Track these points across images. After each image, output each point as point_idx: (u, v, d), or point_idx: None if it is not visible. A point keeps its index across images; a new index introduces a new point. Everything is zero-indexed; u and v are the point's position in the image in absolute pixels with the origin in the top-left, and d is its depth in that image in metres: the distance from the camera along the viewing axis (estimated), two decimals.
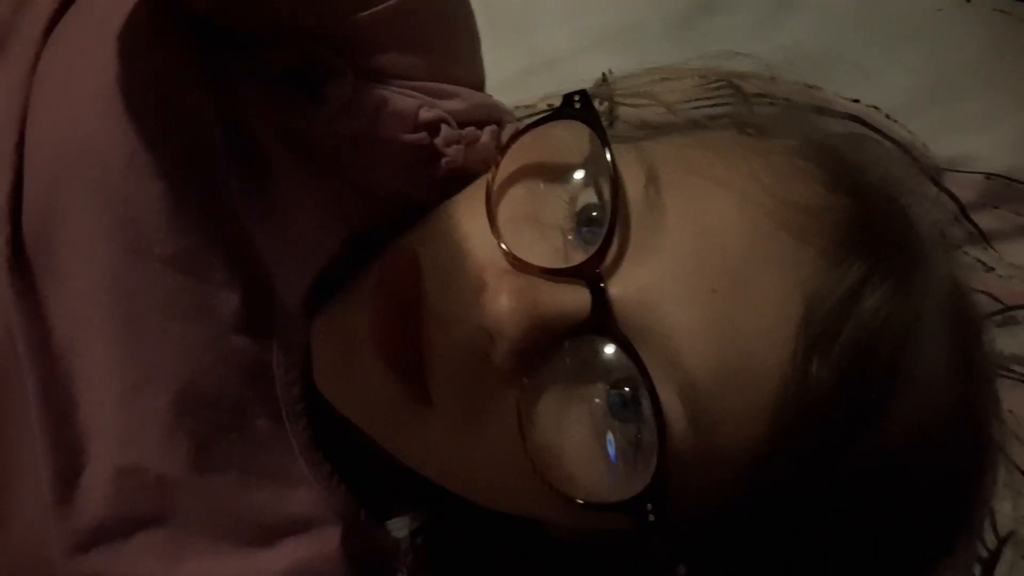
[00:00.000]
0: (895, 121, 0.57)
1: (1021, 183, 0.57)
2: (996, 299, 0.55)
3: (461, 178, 0.39)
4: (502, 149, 0.36)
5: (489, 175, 0.35)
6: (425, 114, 0.38)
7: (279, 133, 0.38)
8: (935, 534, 0.38)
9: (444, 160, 0.39)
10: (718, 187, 0.34)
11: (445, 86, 0.40)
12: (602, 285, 0.32)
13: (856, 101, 0.58)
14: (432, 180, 0.40)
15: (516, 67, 0.62)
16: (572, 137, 0.36)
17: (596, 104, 0.36)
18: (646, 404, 0.31)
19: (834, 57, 0.60)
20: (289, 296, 0.38)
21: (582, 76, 0.60)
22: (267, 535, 0.37)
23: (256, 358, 0.38)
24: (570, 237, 0.34)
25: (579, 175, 0.35)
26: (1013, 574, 0.46)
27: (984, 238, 0.56)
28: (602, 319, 0.32)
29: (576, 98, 0.36)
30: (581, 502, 0.32)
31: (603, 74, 0.59)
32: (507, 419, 0.33)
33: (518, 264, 0.33)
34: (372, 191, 0.40)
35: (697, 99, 0.44)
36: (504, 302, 0.32)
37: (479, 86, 0.44)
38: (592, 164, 0.35)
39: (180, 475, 0.35)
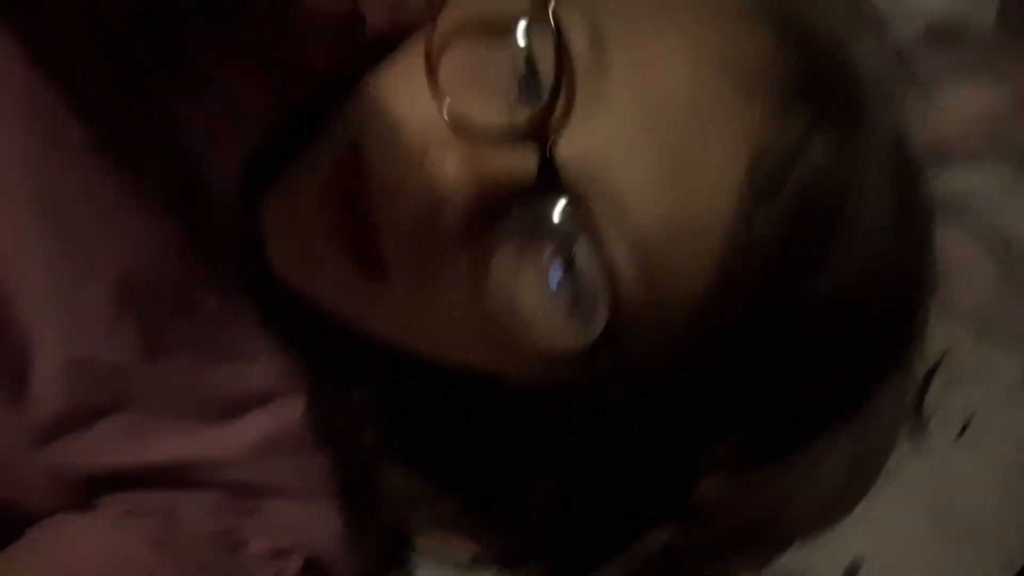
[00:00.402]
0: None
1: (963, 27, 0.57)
2: (932, 134, 0.57)
3: (390, 42, 0.38)
4: (437, 4, 0.35)
5: (426, 35, 0.34)
6: None
7: (194, 4, 0.36)
8: (875, 370, 0.39)
9: (368, 24, 0.38)
10: (664, 45, 0.34)
11: None
12: (548, 144, 0.32)
13: None
14: (359, 48, 0.39)
15: None
16: None
17: None
18: (596, 257, 0.33)
19: None
20: (222, 174, 0.38)
21: None
22: (231, 410, 0.38)
23: (195, 239, 0.38)
24: (513, 98, 0.34)
25: (520, 33, 0.34)
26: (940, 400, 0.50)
27: (922, 77, 0.57)
28: (551, 178, 0.32)
29: None
30: (539, 353, 0.33)
31: None
32: (461, 282, 0.34)
33: (462, 127, 0.33)
34: (298, 64, 0.39)
35: None
36: (450, 168, 0.32)
37: None
38: (534, 20, 0.34)
39: (133, 362, 0.36)
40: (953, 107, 0.57)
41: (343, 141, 0.35)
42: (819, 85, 0.34)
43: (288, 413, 0.39)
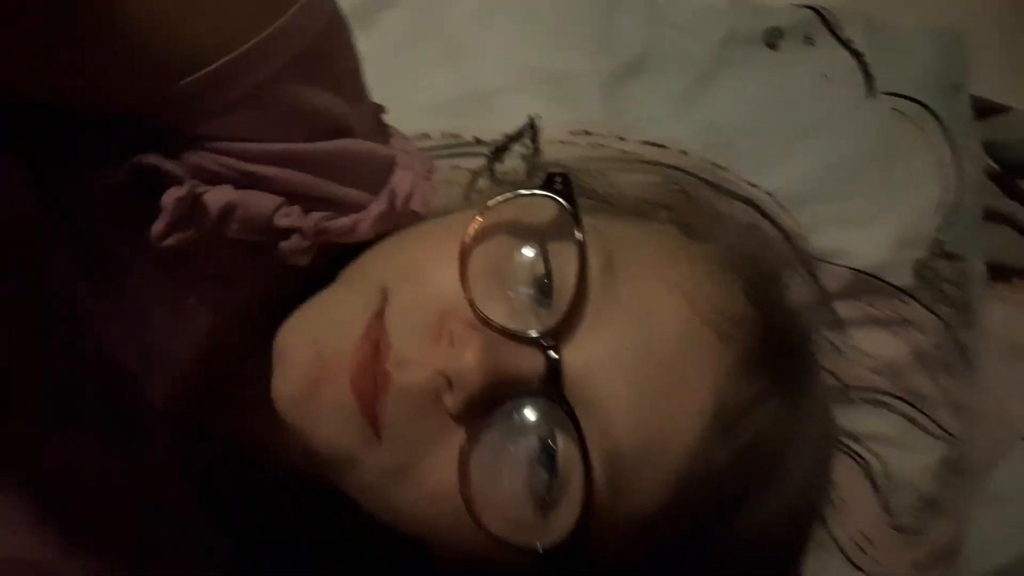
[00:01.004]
0: (785, 209, 0.63)
1: (880, 280, 0.63)
2: (839, 379, 0.63)
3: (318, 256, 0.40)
4: (482, 211, 0.38)
5: (466, 231, 0.38)
6: (281, 221, 0.38)
7: (123, 235, 0.37)
8: None
9: (284, 254, 0.39)
10: (664, 286, 0.39)
11: (300, 148, 0.37)
12: (557, 357, 0.36)
13: (755, 186, 0.63)
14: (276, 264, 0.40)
15: (447, 93, 0.64)
16: (542, 208, 0.39)
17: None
18: (576, 465, 0.35)
19: (744, 137, 0.65)
20: (156, 392, 0.39)
21: (509, 113, 0.64)
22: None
23: (130, 453, 0.38)
24: (529, 300, 0.37)
25: (547, 245, 0.38)
26: None
27: (840, 323, 0.63)
28: (553, 385, 0.35)
29: (558, 178, 0.39)
30: (501, 538, 0.35)
31: (529, 117, 0.63)
32: (446, 459, 0.36)
33: (484, 321, 0.36)
34: (224, 278, 0.40)
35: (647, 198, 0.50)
36: (469, 356, 0.34)
37: (361, 125, 0.41)
38: (559, 238, 0.38)
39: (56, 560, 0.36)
40: (862, 355, 0.63)
41: (375, 296, 0.38)
42: (778, 352, 0.41)
43: None
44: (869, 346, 0.63)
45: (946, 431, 0.63)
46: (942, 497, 0.63)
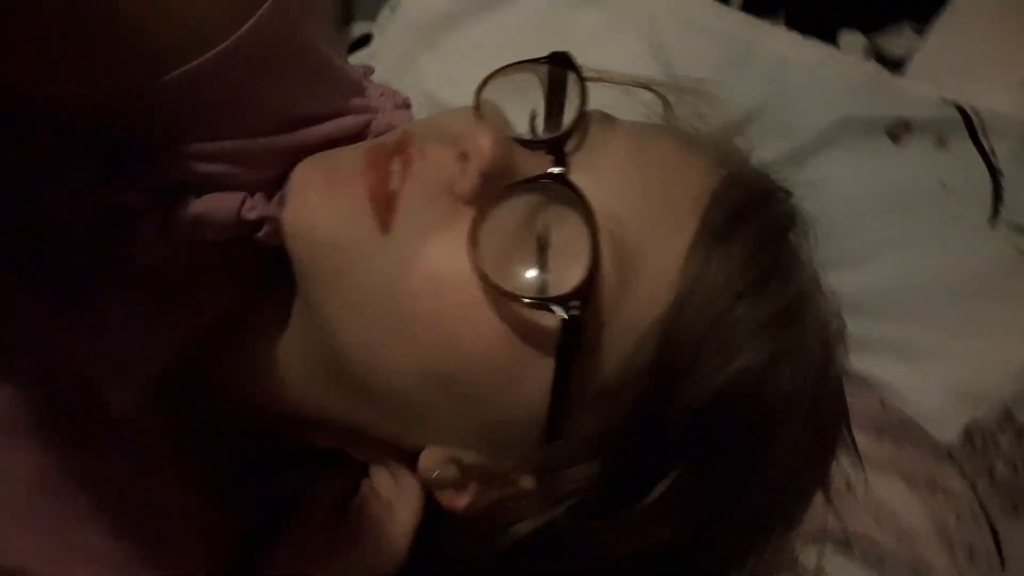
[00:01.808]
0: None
1: (913, 422, 0.56)
2: (841, 519, 0.56)
3: (282, 259, 0.40)
4: (488, 77, 0.41)
5: (479, 86, 0.40)
6: (249, 215, 0.39)
7: (89, 260, 0.39)
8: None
9: (259, 243, 0.40)
10: (658, 132, 0.42)
11: (268, 142, 0.38)
12: (564, 152, 0.38)
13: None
14: (251, 270, 0.42)
15: None
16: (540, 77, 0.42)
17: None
18: (583, 239, 0.36)
19: (823, 225, 0.59)
20: (122, 402, 0.40)
21: None
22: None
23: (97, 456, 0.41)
24: (540, 122, 0.40)
25: (552, 91, 0.41)
26: None
27: (859, 456, 0.56)
28: (560, 172, 0.37)
29: (559, 55, 0.41)
30: (517, 294, 0.36)
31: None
32: (456, 240, 0.37)
33: (497, 133, 0.38)
34: (190, 295, 0.42)
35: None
36: (485, 138, 0.37)
37: (335, 104, 0.42)
38: (561, 89, 0.41)
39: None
40: (875, 504, 0.56)
41: (392, 135, 0.40)
42: (761, 178, 0.42)
43: None
44: (884, 495, 0.55)
45: None
46: None
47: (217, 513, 0.44)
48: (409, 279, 0.37)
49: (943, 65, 0.73)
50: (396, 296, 0.38)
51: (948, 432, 0.55)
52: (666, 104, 0.49)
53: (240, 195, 0.38)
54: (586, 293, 0.36)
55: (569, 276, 0.36)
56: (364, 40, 0.83)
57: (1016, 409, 0.55)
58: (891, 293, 0.57)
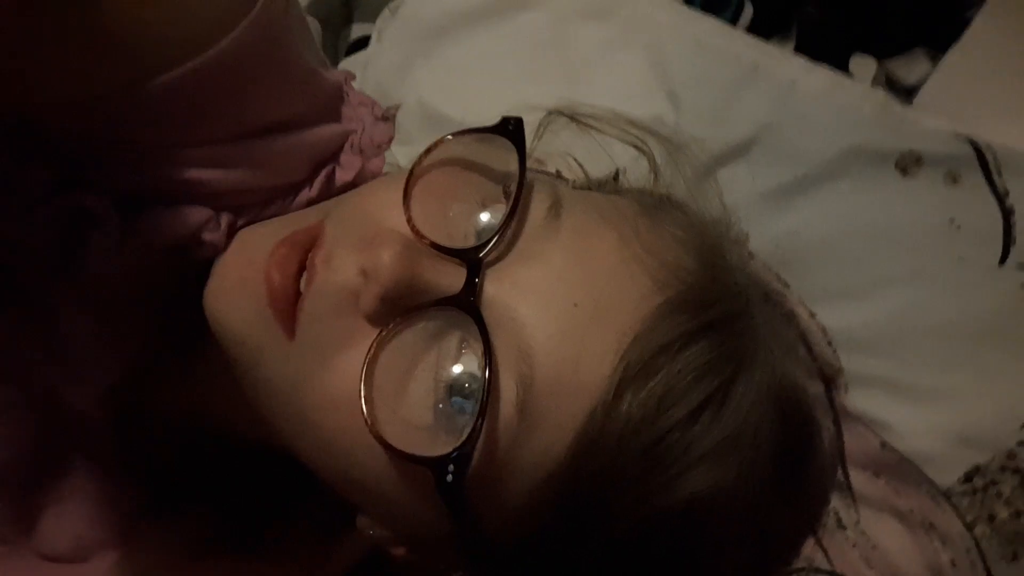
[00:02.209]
0: (833, 350, 0.56)
1: (911, 464, 0.54)
2: (829, 559, 0.55)
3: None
4: (431, 146, 0.39)
5: (416, 161, 0.39)
6: (209, 236, 0.39)
7: (45, 269, 0.39)
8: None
9: (207, 245, 0.40)
10: (606, 229, 0.38)
11: (245, 147, 0.39)
12: (478, 271, 0.36)
13: (812, 315, 0.56)
14: (196, 266, 0.41)
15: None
16: (494, 152, 0.39)
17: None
18: (488, 373, 0.34)
19: (823, 256, 0.57)
20: (83, 401, 0.42)
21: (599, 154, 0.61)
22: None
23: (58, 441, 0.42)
24: (467, 228, 0.38)
25: (492, 182, 0.39)
26: None
27: (852, 495, 0.55)
28: (468, 299, 0.35)
29: (511, 122, 0.40)
30: (392, 445, 0.34)
31: (616, 171, 0.59)
32: (355, 362, 0.36)
33: (414, 231, 0.37)
34: (141, 299, 0.42)
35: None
36: (386, 254, 0.35)
37: (315, 111, 0.42)
38: (506, 176, 0.39)
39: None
40: (866, 542, 0.55)
41: (312, 217, 0.39)
42: (717, 308, 0.38)
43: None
44: (877, 536, 0.54)
45: None
46: None
47: (159, 508, 0.44)
48: (309, 393, 0.37)
49: (955, 94, 0.71)
50: (300, 403, 0.37)
51: (949, 476, 0.54)
52: (651, 161, 0.47)
53: (208, 212, 0.39)
54: (469, 453, 0.33)
55: (460, 420, 0.34)
56: (362, 42, 0.82)
57: (1020, 454, 0.53)
58: (894, 330, 0.56)
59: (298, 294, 0.37)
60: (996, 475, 0.53)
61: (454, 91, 0.69)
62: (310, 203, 0.42)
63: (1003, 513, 0.53)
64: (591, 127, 0.49)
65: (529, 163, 0.40)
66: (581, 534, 0.36)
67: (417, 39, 0.72)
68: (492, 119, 0.66)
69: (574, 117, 0.47)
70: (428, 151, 0.39)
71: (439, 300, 0.36)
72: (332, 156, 0.43)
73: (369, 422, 0.34)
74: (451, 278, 0.36)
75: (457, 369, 0.35)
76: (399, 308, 0.36)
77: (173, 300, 0.42)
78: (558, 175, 0.53)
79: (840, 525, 0.55)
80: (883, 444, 0.54)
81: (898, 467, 0.54)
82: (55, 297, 0.40)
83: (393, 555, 0.42)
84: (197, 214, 0.39)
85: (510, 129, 0.39)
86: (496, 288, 0.36)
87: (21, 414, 0.40)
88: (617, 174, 0.56)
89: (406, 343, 0.36)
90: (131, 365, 0.42)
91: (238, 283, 0.38)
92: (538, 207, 0.38)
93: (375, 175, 0.45)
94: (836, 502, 0.55)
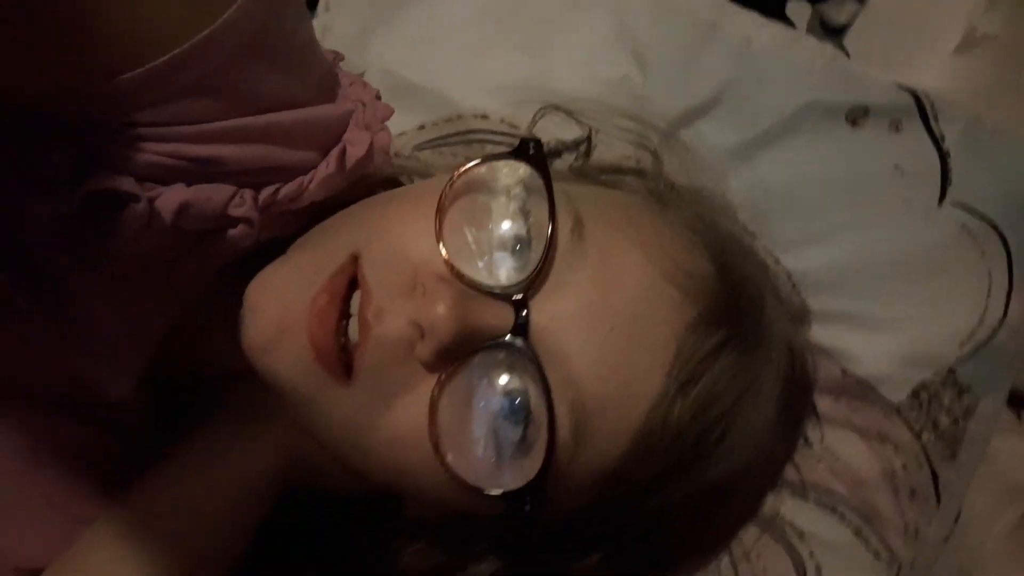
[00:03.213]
0: (798, 292, 0.62)
1: (867, 385, 0.62)
2: (800, 473, 0.63)
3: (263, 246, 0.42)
4: (456, 172, 0.40)
5: (443, 189, 0.40)
6: (235, 211, 0.39)
7: (70, 256, 0.39)
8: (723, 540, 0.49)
9: (230, 240, 0.40)
10: (629, 245, 0.40)
11: (251, 122, 0.38)
12: (526, 310, 0.38)
13: (777, 262, 0.62)
14: (226, 254, 0.41)
15: (513, 78, 0.64)
16: (515, 172, 0.41)
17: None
18: (541, 412, 0.37)
19: (786, 208, 0.63)
20: (116, 388, 0.42)
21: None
22: None
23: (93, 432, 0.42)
24: (500, 259, 0.39)
25: (518, 206, 0.40)
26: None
27: (817, 417, 0.63)
28: (521, 336, 0.38)
29: (532, 144, 0.41)
30: (472, 485, 0.37)
31: (589, 132, 0.63)
32: (417, 405, 0.38)
33: (457, 275, 0.38)
34: (170, 286, 0.42)
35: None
36: (441, 308, 0.36)
37: (314, 90, 0.42)
38: (531, 200, 0.40)
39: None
40: (831, 456, 0.62)
41: (342, 253, 0.40)
42: (736, 308, 0.42)
43: None
44: (840, 449, 0.62)
45: (892, 553, 0.62)
46: None
47: None
48: (374, 434, 0.39)
49: (880, 34, 0.77)
50: (363, 441, 0.39)
51: (899, 393, 0.61)
52: (656, 158, 0.50)
53: (231, 189, 0.39)
54: (540, 484, 0.37)
55: (527, 460, 0.37)
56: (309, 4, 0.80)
57: (959, 370, 0.61)
58: (848, 270, 0.62)
59: (340, 342, 0.38)
60: (938, 389, 0.62)
61: (421, 59, 0.69)
62: (328, 180, 0.42)
63: (944, 421, 0.62)
64: (585, 123, 0.51)
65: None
66: (626, 511, 0.42)
67: (374, 6, 0.72)
68: (463, 87, 0.68)
69: (570, 113, 0.50)
70: (452, 181, 0.40)
71: (493, 342, 0.38)
72: (340, 133, 0.43)
73: (445, 462, 0.37)
74: (499, 317, 0.38)
75: (508, 402, 0.38)
76: (456, 353, 0.38)
77: (197, 284, 0.43)
78: (558, 152, 0.55)
79: (807, 443, 0.62)
80: (843, 371, 0.61)
81: (856, 389, 0.62)
82: (83, 285, 0.40)
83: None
84: (221, 191, 0.38)
85: (531, 154, 0.41)
86: (539, 322, 0.38)
87: (52, 421, 0.41)
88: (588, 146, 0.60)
89: (462, 383, 0.38)
90: (159, 351, 0.43)
91: (278, 334, 0.39)
92: (562, 229, 0.40)
93: (383, 150, 0.45)
94: (804, 427, 0.62)
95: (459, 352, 0.38)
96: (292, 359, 0.39)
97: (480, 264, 0.39)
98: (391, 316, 0.38)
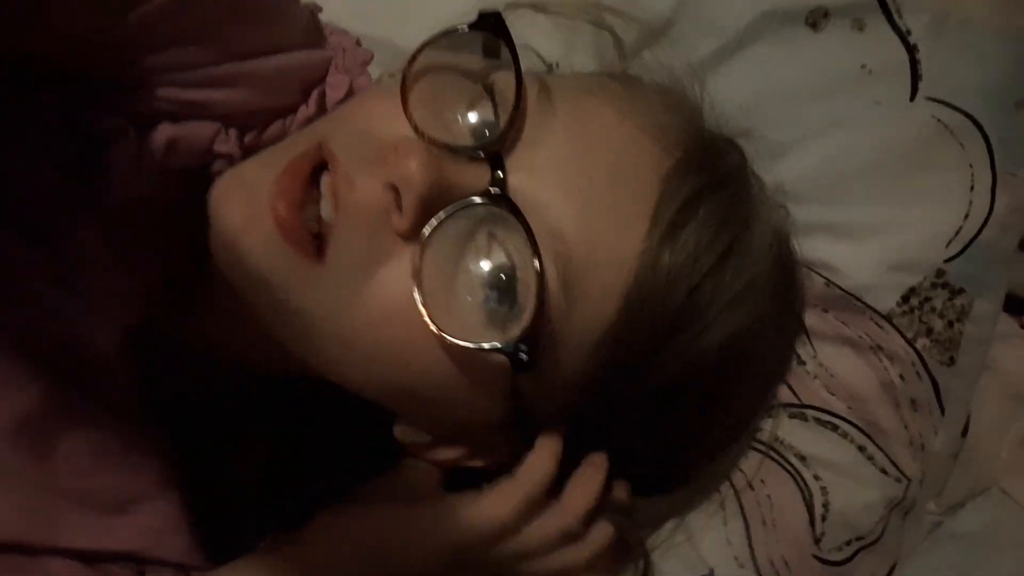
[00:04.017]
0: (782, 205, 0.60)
1: (856, 298, 0.59)
2: (795, 394, 0.60)
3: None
4: (415, 53, 0.39)
5: (406, 66, 0.39)
6: (220, 147, 0.40)
7: (62, 200, 0.39)
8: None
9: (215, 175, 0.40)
10: (599, 103, 0.39)
11: (238, 67, 0.39)
12: (501, 165, 0.37)
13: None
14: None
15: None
16: (476, 43, 0.40)
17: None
18: (528, 267, 0.36)
19: (755, 120, 0.61)
20: (103, 343, 0.41)
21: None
22: (118, 506, 0.41)
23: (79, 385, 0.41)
24: (468, 123, 0.38)
25: (471, 81, 0.39)
26: None
27: (806, 333, 0.60)
28: (500, 190, 0.36)
29: (491, 16, 0.40)
30: (465, 344, 0.36)
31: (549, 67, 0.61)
32: (399, 274, 0.36)
33: (427, 139, 0.37)
34: (161, 240, 0.42)
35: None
36: (414, 163, 0.35)
37: (296, 37, 0.43)
38: (493, 69, 0.39)
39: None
40: (825, 373, 0.60)
41: (308, 142, 0.39)
42: (716, 155, 0.40)
43: (169, 510, 0.43)
44: (834, 365, 0.60)
45: (899, 469, 0.60)
46: (879, 537, 0.60)
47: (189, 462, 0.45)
48: (357, 310, 0.37)
49: None
50: (345, 324, 0.38)
51: (888, 301, 0.59)
52: (616, 39, 0.49)
53: (217, 125, 0.40)
54: (534, 334, 0.36)
55: (516, 315, 0.36)
56: None
57: (949, 271, 0.59)
58: (824, 178, 0.60)
59: (309, 222, 0.37)
60: (928, 292, 0.59)
61: (364, 11, 0.68)
62: (308, 121, 0.43)
63: (938, 325, 0.59)
64: (557, 13, 0.49)
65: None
66: (630, 385, 0.39)
67: None
68: (412, 31, 0.66)
69: (539, 7, 0.48)
70: (413, 59, 0.39)
71: (472, 200, 0.36)
72: (321, 78, 0.44)
73: (434, 324, 0.36)
74: (474, 176, 0.37)
75: (490, 265, 0.37)
76: (430, 216, 0.36)
77: (185, 230, 0.42)
78: None
79: (800, 362, 0.60)
80: (827, 283, 0.59)
81: (843, 301, 0.59)
82: (73, 228, 0.40)
83: (425, 459, 0.44)
84: (206, 128, 0.39)
85: (491, 24, 0.39)
86: (515, 178, 0.37)
87: (30, 366, 0.40)
88: (551, 67, 0.58)
89: (444, 247, 0.37)
90: (151, 300, 0.42)
91: (244, 224, 0.38)
92: (530, 92, 0.39)
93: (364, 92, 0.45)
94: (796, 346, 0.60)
95: (436, 209, 0.36)
96: (260, 245, 0.37)
97: (449, 133, 0.38)
98: (364, 182, 0.37)
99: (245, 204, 0.38)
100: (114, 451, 0.42)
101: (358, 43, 0.46)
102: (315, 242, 0.37)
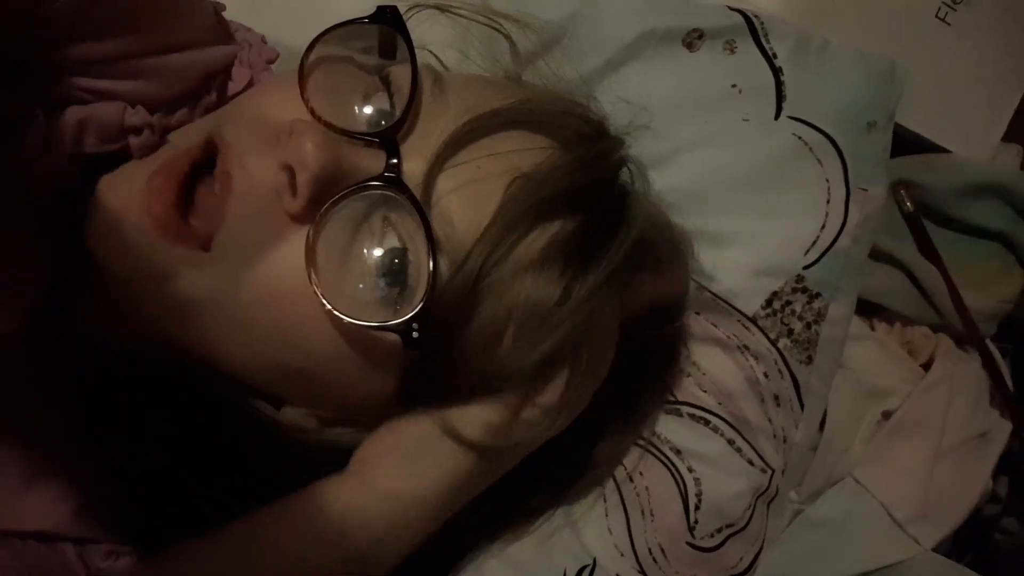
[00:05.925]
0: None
1: (724, 302, 0.64)
2: (670, 390, 0.64)
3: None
4: (312, 43, 0.41)
5: (301, 59, 0.40)
6: (132, 120, 0.40)
7: None
8: None
9: (134, 150, 0.41)
10: (492, 97, 0.42)
11: (149, 62, 0.41)
12: (396, 151, 0.38)
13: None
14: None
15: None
16: (364, 44, 0.43)
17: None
18: (420, 248, 0.37)
19: (642, 132, 0.64)
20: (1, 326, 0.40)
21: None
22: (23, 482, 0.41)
23: None
24: (366, 112, 0.40)
25: (367, 74, 0.41)
26: None
27: (684, 343, 0.64)
28: (394, 175, 0.37)
29: (388, 11, 0.42)
30: (358, 322, 0.36)
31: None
32: (291, 255, 0.37)
33: (324, 123, 0.38)
34: (68, 209, 0.41)
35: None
36: (309, 144, 0.36)
37: (205, 33, 0.45)
38: (379, 66, 0.42)
39: None
40: (698, 371, 0.64)
41: (195, 138, 0.40)
42: (593, 138, 0.45)
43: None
44: (705, 364, 0.64)
45: (764, 461, 0.64)
46: (747, 524, 0.64)
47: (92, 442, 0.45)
48: (245, 293, 0.38)
49: None
50: (231, 306, 0.38)
51: (753, 304, 0.64)
52: (511, 43, 0.51)
53: (122, 103, 0.40)
54: (425, 314, 0.37)
55: (395, 293, 0.37)
56: None
57: (807, 277, 0.64)
58: (696, 189, 0.64)
59: (184, 217, 0.38)
60: (789, 296, 0.64)
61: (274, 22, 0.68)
62: (209, 109, 0.44)
63: (798, 326, 0.64)
64: (456, 14, 0.51)
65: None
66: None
67: None
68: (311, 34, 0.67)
69: (441, 8, 0.50)
70: (310, 48, 0.41)
71: (367, 181, 0.37)
72: (224, 71, 0.46)
73: (327, 302, 0.36)
74: (369, 161, 0.38)
75: (381, 250, 0.38)
76: (324, 198, 0.37)
77: (78, 220, 0.42)
78: None
79: (674, 361, 0.64)
80: (699, 287, 0.63)
81: (712, 304, 0.63)
82: None
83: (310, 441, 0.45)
84: (113, 107, 0.40)
85: (388, 17, 0.41)
86: (409, 164, 0.38)
87: None
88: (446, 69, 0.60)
89: (336, 230, 0.38)
90: (41, 288, 0.42)
91: (117, 220, 0.38)
92: (425, 83, 0.41)
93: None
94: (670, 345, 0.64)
95: (331, 192, 0.37)
96: (134, 241, 0.38)
97: (346, 120, 0.40)
98: (257, 162, 0.37)
99: (118, 205, 0.38)
100: (12, 432, 0.42)
101: (264, 41, 0.48)
102: (196, 232, 0.38)
